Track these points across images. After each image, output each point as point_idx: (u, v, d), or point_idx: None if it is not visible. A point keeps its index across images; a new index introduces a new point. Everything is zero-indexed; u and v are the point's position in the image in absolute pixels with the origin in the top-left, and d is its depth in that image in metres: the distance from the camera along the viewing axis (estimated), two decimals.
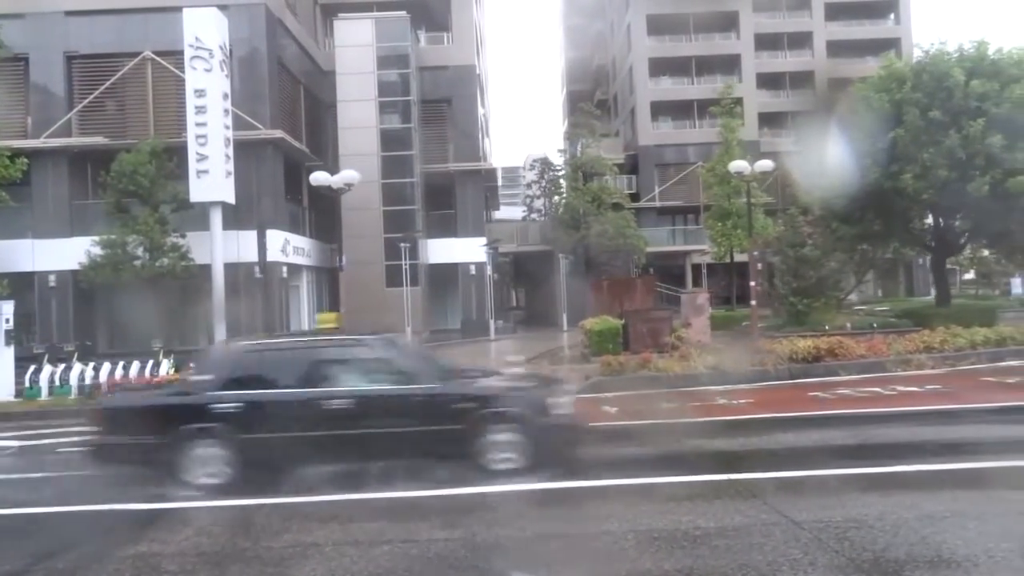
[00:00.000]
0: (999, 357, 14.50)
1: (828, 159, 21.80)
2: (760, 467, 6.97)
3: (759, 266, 39.83)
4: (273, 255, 24.12)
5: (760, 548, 4.75)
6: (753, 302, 18.69)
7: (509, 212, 54.56)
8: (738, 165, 18.61)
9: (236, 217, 23.29)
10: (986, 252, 30.68)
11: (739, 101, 41.54)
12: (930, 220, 22.21)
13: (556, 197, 38.20)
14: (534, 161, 43.99)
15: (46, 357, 15.00)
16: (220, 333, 22.54)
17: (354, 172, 18.14)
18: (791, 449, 7.78)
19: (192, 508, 6.41)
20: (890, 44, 46.35)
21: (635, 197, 43.88)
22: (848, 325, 19.58)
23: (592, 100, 55.66)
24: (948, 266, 42.89)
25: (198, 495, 6.78)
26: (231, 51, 23.46)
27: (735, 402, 11.00)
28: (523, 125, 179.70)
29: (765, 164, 18.78)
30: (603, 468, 7.55)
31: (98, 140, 23.61)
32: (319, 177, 17.87)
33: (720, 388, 12.29)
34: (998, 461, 6.77)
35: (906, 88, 19.32)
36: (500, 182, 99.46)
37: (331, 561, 4.89)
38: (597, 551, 4.85)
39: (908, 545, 4.66)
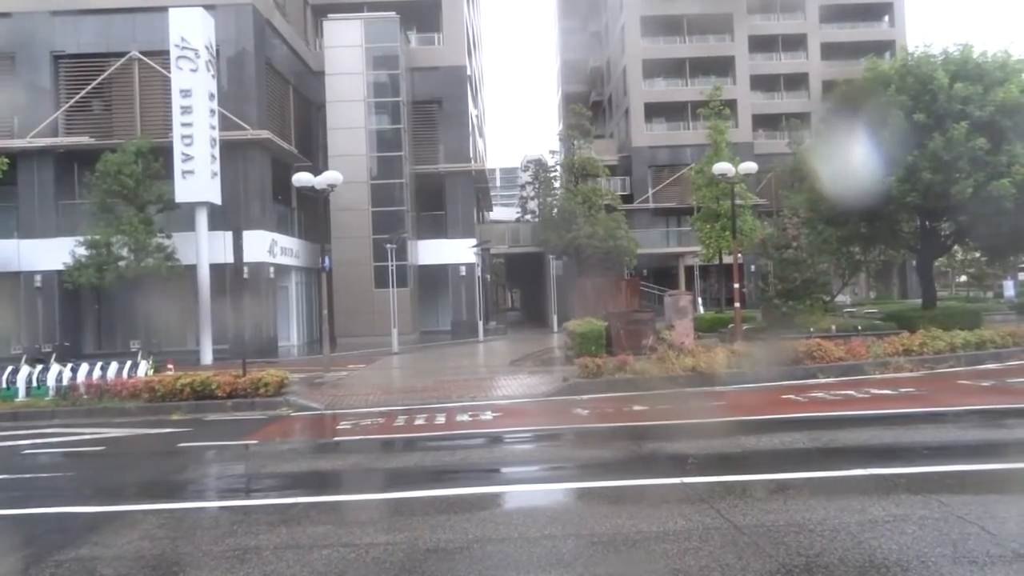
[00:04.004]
0: (978, 360, 14.53)
1: (815, 161, 21.84)
2: (715, 471, 6.96)
3: (753, 268, 40.15)
4: (260, 256, 24.09)
5: (696, 553, 4.72)
6: (737, 304, 18.67)
7: (508, 213, 54.54)
8: (721, 167, 18.58)
9: (223, 217, 23.28)
10: (978, 254, 30.63)
11: (731, 103, 41.74)
12: (917, 222, 22.15)
13: (548, 198, 38.16)
14: (528, 162, 43.93)
15: (24, 358, 14.95)
16: (206, 334, 22.58)
17: (337, 173, 18.12)
18: (751, 452, 7.76)
19: (143, 511, 6.36)
20: (884, 46, 46.47)
21: (629, 198, 43.96)
22: (833, 327, 19.48)
23: (587, 101, 55.82)
24: (943, 268, 43.11)
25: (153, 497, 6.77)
26: (218, 51, 23.49)
27: (706, 405, 10.99)
28: (523, 126, 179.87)
29: (749, 166, 18.76)
30: (560, 471, 7.53)
31: (84, 140, 23.61)
32: (301, 178, 17.86)
33: (695, 390, 12.29)
34: (952, 465, 6.74)
35: (890, 91, 19.27)
36: (499, 182, 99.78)
37: (267, 565, 4.87)
38: (532, 556, 4.82)
39: (843, 550, 4.64)
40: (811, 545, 4.76)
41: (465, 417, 10.77)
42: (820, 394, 11.38)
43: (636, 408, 10.89)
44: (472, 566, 4.70)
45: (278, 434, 10.37)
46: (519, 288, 65.48)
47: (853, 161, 19.37)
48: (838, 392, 11.45)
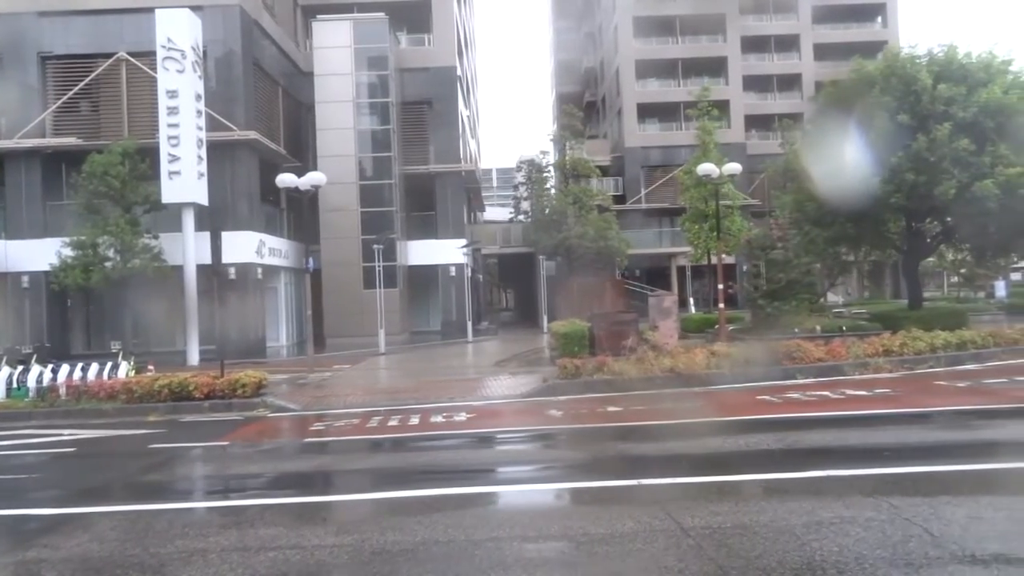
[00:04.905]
0: (958, 360, 14.51)
1: (801, 162, 21.88)
2: (675, 472, 6.96)
3: (745, 268, 40.15)
4: (248, 256, 24.12)
5: (638, 555, 4.73)
6: (721, 305, 18.69)
7: (505, 213, 54.52)
8: (705, 168, 18.61)
9: (211, 218, 23.25)
10: (964, 255, 30.64)
11: (724, 103, 41.79)
12: (903, 223, 22.18)
13: (540, 198, 38.18)
14: (521, 163, 43.98)
15: (4, 359, 14.92)
16: (193, 334, 22.56)
17: (320, 174, 18.13)
18: (713, 454, 7.76)
19: (100, 512, 6.36)
20: (877, 47, 46.35)
21: (621, 199, 43.94)
22: (818, 328, 19.56)
23: (581, 102, 55.88)
24: (936, 269, 43.10)
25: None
26: (206, 52, 23.47)
27: (680, 406, 10.98)
28: (521, 126, 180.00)
29: (732, 167, 18.78)
30: (521, 473, 7.53)
31: (72, 140, 23.58)
32: (285, 179, 17.87)
33: (672, 391, 12.26)
34: (910, 467, 6.73)
35: (875, 92, 19.30)
36: (495, 183, 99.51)
37: (211, 567, 4.87)
38: (474, 558, 4.82)
39: (783, 552, 4.64)
40: (753, 547, 4.76)
41: (439, 419, 10.75)
42: (795, 395, 11.38)
43: (610, 409, 10.89)
44: (413, 568, 4.70)
45: (250, 436, 10.35)
46: (514, 288, 65.49)
47: (839, 162, 19.44)
48: (813, 393, 11.46)
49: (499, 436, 9.66)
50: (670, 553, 4.74)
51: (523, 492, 6.62)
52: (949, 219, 20.78)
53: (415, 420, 10.66)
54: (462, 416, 10.91)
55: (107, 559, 5.19)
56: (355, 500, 6.52)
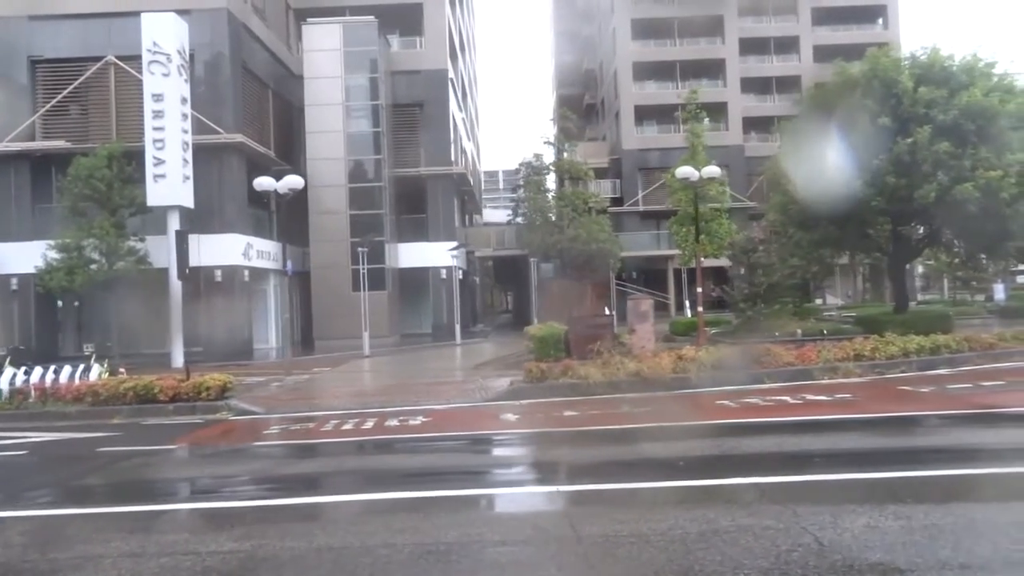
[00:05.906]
0: (932, 365, 14.36)
1: (785, 165, 21.78)
2: (598, 478, 6.89)
3: (742, 271, 39.88)
4: (234, 259, 24.25)
5: (522, 563, 4.71)
6: (700, 308, 18.61)
7: (505, 215, 54.31)
8: (684, 171, 18.55)
9: (199, 221, 23.41)
10: (946, 256, 30.29)
11: (721, 106, 41.75)
12: (890, 226, 22.01)
13: (534, 200, 38.14)
14: (520, 165, 43.99)
15: None
16: (177, 337, 22.68)
17: (297, 177, 18.17)
18: (645, 460, 7.70)
19: (16, 517, 6.38)
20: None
21: (619, 201, 43.86)
22: (799, 332, 19.44)
23: (581, 104, 55.83)
24: (936, 271, 42.73)
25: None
26: (193, 56, 23.61)
27: (636, 411, 10.90)
28: (529, 128, 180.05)
29: (712, 170, 18.74)
30: (449, 478, 7.51)
31: (60, 144, 23.77)
32: (263, 182, 17.95)
33: (633, 396, 12.16)
34: (833, 474, 6.68)
35: (857, 94, 19.18)
36: (501, 184, 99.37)
37: (100, 573, 4.88)
38: (360, 564, 4.79)
39: (666, 561, 4.58)
40: (639, 556, 4.71)
41: (395, 422, 10.72)
42: (755, 400, 11.30)
43: (567, 414, 10.85)
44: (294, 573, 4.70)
45: (204, 439, 10.38)
46: (512, 291, 65.48)
47: (822, 165, 19.31)
48: (773, 398, 11.37)
49: (445, 440, 9.62)
50: (553, 562, 4.71)
51: (440, 498, 6.53)
52: (934, 222, 20.60)
53: (370, 424, 10.65)
54: (418, 420, 10.88)
55: (2, 564, 5.20)
56: (272, 505, 6.50)
